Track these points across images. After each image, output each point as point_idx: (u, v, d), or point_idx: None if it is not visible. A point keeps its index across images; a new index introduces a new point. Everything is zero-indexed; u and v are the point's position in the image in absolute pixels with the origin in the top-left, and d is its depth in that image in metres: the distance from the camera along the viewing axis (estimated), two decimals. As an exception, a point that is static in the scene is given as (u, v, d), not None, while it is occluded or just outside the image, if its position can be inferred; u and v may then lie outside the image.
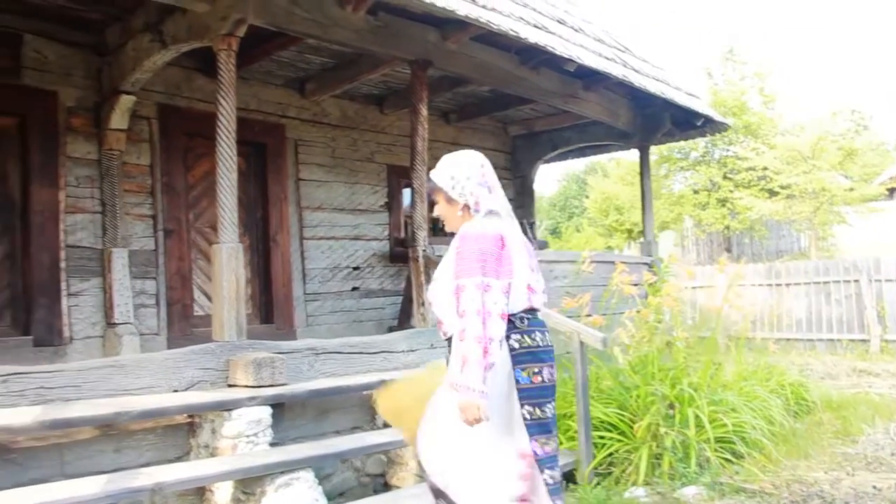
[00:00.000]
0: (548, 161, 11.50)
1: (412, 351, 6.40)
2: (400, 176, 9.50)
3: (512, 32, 6.35)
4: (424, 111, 6.77)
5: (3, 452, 3.89)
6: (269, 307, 8.05)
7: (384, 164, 9.37)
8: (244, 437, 4.69)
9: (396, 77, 8.31)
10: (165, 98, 7.43)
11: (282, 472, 4.37)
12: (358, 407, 5.83)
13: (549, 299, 7.21)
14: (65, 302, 6.67)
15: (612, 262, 8.13)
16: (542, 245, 10.49)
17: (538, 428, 3.35)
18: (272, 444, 4.89)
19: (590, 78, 8.32)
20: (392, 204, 9.45)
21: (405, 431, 3.74)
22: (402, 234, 9.46)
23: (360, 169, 9.15)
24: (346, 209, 8.97)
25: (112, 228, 6.89)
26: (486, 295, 3.18)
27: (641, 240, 28.54)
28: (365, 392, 5.61)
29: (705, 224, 24.27)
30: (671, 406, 5.83)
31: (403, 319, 8.81)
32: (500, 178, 9.69)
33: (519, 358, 3.33)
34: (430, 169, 6.83)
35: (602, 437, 5.76)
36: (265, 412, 4.83)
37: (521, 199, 11.09)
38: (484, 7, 6.34)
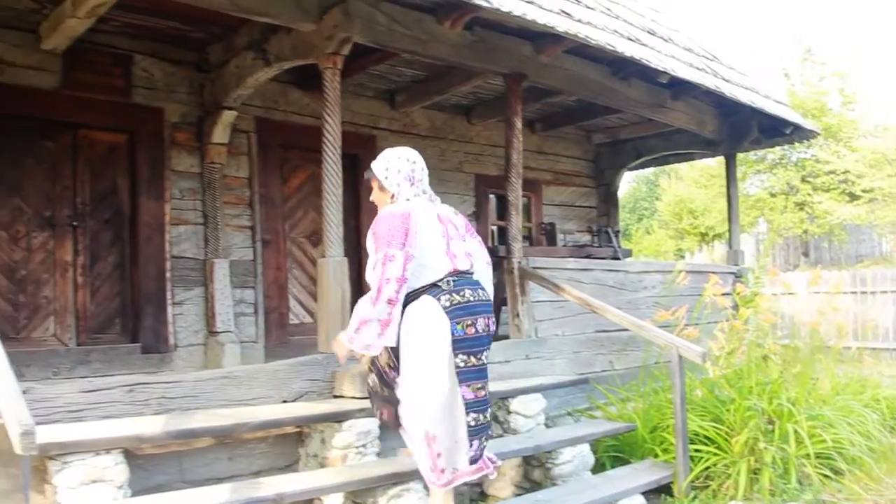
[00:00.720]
0: (631, 169, 11.50)
1: (508, 362, 6.47)
2: (487, 185, 9.63)
3: (609, 46, 6.38)
4: (519, 124, 6.83)
5: (132, 458, 4.04)
6: (362, 316, 8.20)
7: (472, 173, 9.49)
8: (353, 448, 4.80)
9: (484, 88, 8.42)
10: (263, 112, 7.64)
11: (394, 484, 4.46)
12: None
13: (638, 310, 7.28)
14: (170, 311, 6.92)
15: (701, 273, 8.11)
16: (627, 254, 10.48)
17: (472, 374, 3.93)
18: (377, 455, 5.01)
19: (678, 87, 8.29)
20: (479, 213, 9.55)
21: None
22: (491, 243, 9.56)
23: (449, 179, 9.27)
24: (435, 218, 9.05)
25: (214, 239, 7.12)
26: (389, 264, 3.80)
27: (714, 243, 28.09)
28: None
29: (782, 228, 23.91)
30: (770, 421, 5.81)
31: (491, 327, 8.89)
32: (583, 185, 9.83)
33: (452, 313, 3.89)
34: (524, 181, 6.95)
35: (698, 451, 5.75)
36: (373, 423, 4.92)
37: (605, 207, 11.11)
38: (579, 21, 6.38)
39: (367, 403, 4.98)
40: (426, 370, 3.93)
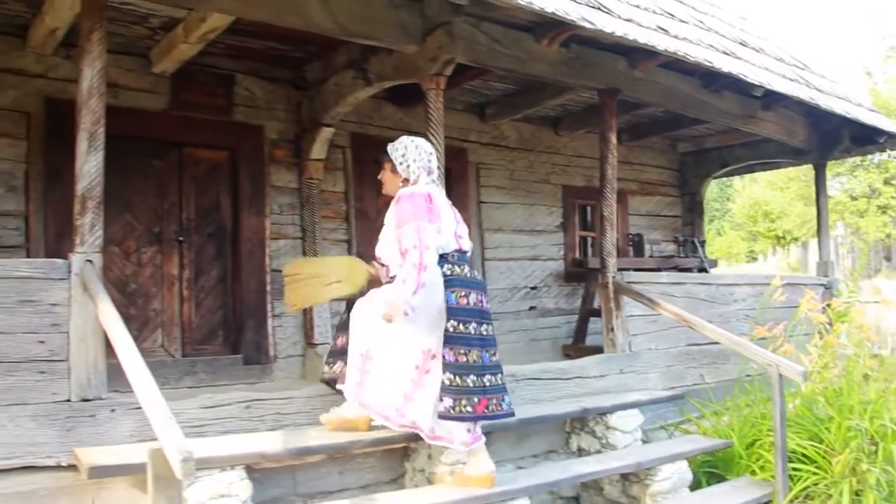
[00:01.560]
0: (716, 177, 11.41)
1: (603, 376, 6.52)
2: (574, 196, 9.66)
3: (707, 63, 6.38)
4: (614, 139, 6.86)
5: (250, 472, 4.18)
6: (453, 328, 8.32)
7: (559, 184, 9.54)
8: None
9: (573, 100, 8.43)
10: (357, 127, 7.77)
11: (503, 501, 4.56)
12: (552, 431, 6.01)
13: (729, 323, 7.23)
14: (270, 323, 7.10)
15: (790, 284, 8.01)
16: (713, 264, 10.40)
17: (458, 340, 4.34)
18: (483, 471, 5.08)
19: (769, 98, 8.22)
20: (567, 224, 9.59)
21: (290, 297, 4.94)
22: (577, 254, 9.61)
23: (537, 190, 9.34)
24: (524, 230, 9.18)
25: (311, 253, 7.26)
26: (422, 233, 4.22)
27: (790, 247, 27.47)
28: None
29: (863, 232, 23.42)
30: (873, 441, 5.74)
31: (578, 338, 8.96)
32: (668, 195, 9.77)
33: (449, 282, 4.38)
34: (619, 195, 6.94)
35: (796, 469, 5.69)
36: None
37: (690, 217, 11.04)
38: (676, 37, 6.40)
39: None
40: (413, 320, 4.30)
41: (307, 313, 7.24)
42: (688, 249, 10.33)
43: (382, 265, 4.66)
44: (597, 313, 8.68)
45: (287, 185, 7.30)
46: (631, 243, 10.04)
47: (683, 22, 7.05)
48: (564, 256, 9.56)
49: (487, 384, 4.39)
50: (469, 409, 4.33)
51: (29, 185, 6.10)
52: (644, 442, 6.19)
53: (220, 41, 6.22)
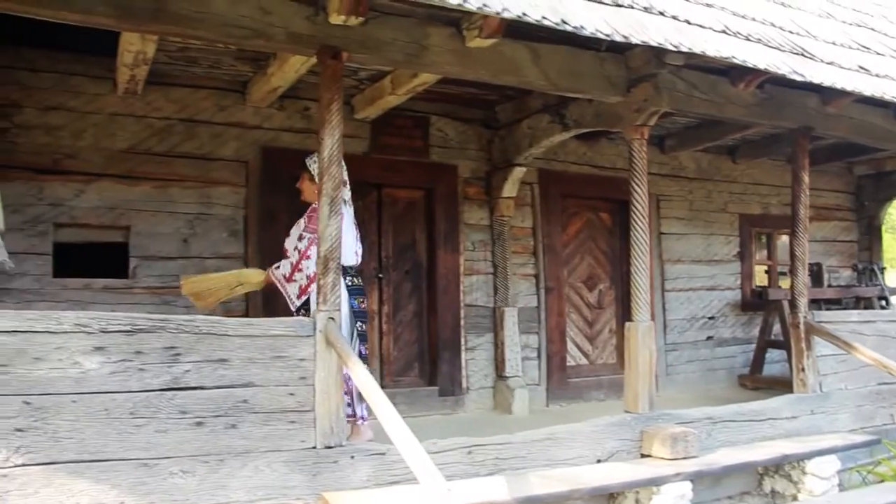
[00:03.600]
0: (896, 200, 11.06)
1: (794, 417, 6.49)
2: (751, 225, 9.61)
3: (912, 104, 6.29)
4: (806, 178, 6.80)
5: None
6: (634, 359, 8.44)
7: (736, 213, 9.48)
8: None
9: (755, 130, 8.36)
10: (544, 164, 8.00)
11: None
12: (746, 473, 6.05)
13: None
14: (463, 356, 7.40)
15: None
16: (894, 292, 10.08)
17: (363, 337, 5.46)
18: (685, 514, 5.20)
19: (966, 122, 7.94)
20: (744, 253, 9.53)
21: (201, 305, 5.51)
22: (753, 283, 9.55)
23: (715, 220, 9.35)
24: (702, 260, 9.21)
25: (503, 288, 7.55)
26: (315, 247, 4.89)
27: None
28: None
29: None
30: None
31: (755, 369, 8.91)
32: (843, 219, 9.49)
33: (352, 291, 5.38)
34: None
35: None
36: (687, 487, 5.14)
37: (868, 241, 10.72)
38: (877, 76, 6.30)
39: (681, 468, 5.22)
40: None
41: (498, 347, 7.51)
42: (867, 277, 10.05)
43: (287, 257, 5.50)
44: (774, 344, 8.66)
45: (479, 223, 7.57)
46: (809, 273, 9.85)
47: (879, 55, 6.92)
48: (741, 286, 9.51)
49: None
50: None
51: (248, 229, 6.56)
52: (840, 486, 6.15)
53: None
